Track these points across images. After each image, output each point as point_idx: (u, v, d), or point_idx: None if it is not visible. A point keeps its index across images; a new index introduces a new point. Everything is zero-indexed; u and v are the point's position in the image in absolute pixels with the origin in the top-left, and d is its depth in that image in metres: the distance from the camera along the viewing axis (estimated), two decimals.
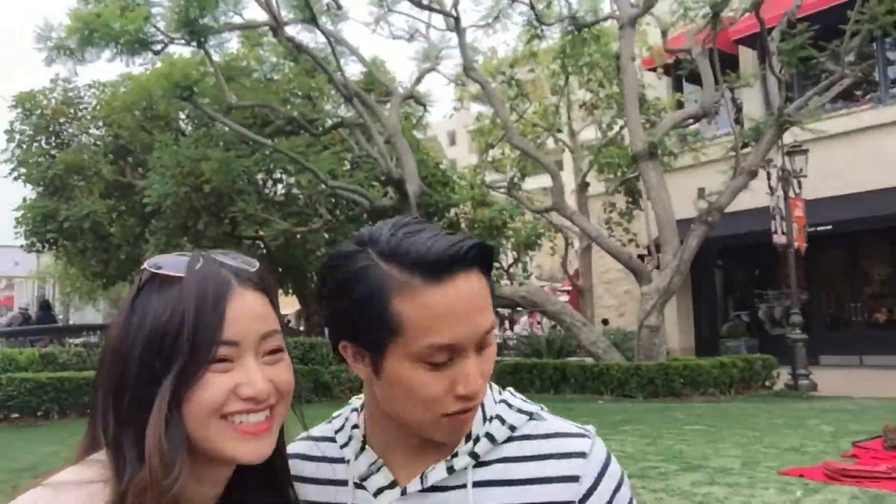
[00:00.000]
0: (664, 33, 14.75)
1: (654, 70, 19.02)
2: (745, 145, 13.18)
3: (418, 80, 16.03)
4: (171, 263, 1.01)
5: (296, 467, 1.14)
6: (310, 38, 14.41)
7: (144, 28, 12.10)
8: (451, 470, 1.04)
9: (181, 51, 15.06)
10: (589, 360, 13.04)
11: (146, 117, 17.84)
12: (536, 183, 23.88)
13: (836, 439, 7.07)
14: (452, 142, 45.02)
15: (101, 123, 18.41)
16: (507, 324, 26.02)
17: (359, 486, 1.09)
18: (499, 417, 1.07)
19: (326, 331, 1.07)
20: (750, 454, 6.39)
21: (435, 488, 1.04)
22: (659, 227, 13.21)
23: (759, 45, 15.26)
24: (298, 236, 16.05)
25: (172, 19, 12.26)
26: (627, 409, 10.13)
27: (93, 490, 0.94)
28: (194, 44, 12.72)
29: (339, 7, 14.38)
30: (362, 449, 1.11)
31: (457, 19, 14.17)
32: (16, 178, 17.87)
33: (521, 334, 21.40)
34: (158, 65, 15.21)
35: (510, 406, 1.09)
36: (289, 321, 22.98)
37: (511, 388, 1.15)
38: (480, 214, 18.13)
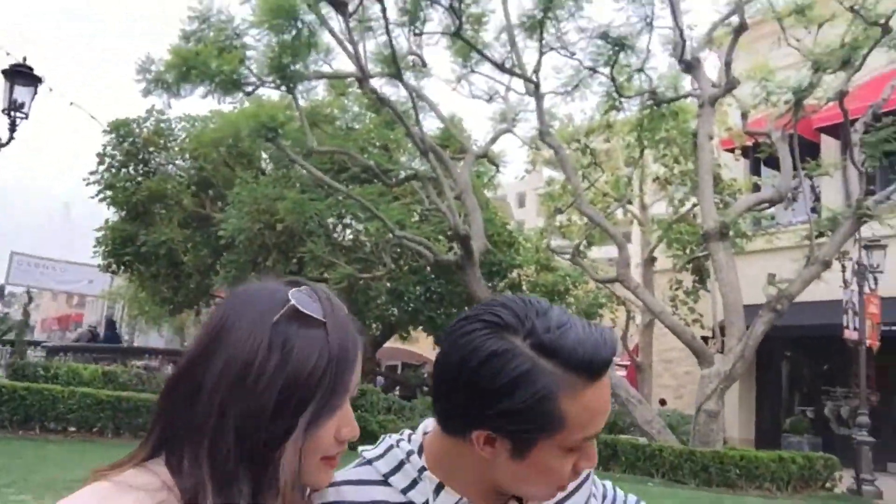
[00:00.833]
0: (744, 115, 14.66)
1: (731, 151, 18.86)
2: (820, 234, 12.87)
3: (493, 140, 16.27)
4: (309, 303, 1.02)
5: None
6: (392, 92, 14.85)
7: (239, 69, 12.67)
8: None
9: (270, 93, 15.72)
10: (642, 440, 12.69)
11: (230, 154, 18.54)
12: (602, 253, 23.70)
13: None
14: (521, 204, 45.20)
15: (187, 156, 19.21)
16: None
17: None
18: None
19: (439, 412, 1.06)
20: None
21: None
22: (725, 309, 12.92)
23: (841, 135, 14.99)
24: (361, 282, 16.26)
25: (265, 63, 12.82)
26: (678, 496, 9.79)
27: (161, 498, 0.95)
28: (283, 88, 13.25)
29: (424, 64, 14.81)
30: (438, 490, 1.08)
31: (536, 85, 14.39)
32: (101, 200, 18.71)
33: None
34: (247, 104, 15.88)
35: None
36: None
37: None
38: (543, 278, 18.07)
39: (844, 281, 12.81)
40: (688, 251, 18.69)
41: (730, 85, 13.39)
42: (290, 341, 0.98)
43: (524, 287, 18.41)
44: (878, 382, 16.11)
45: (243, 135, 15.81)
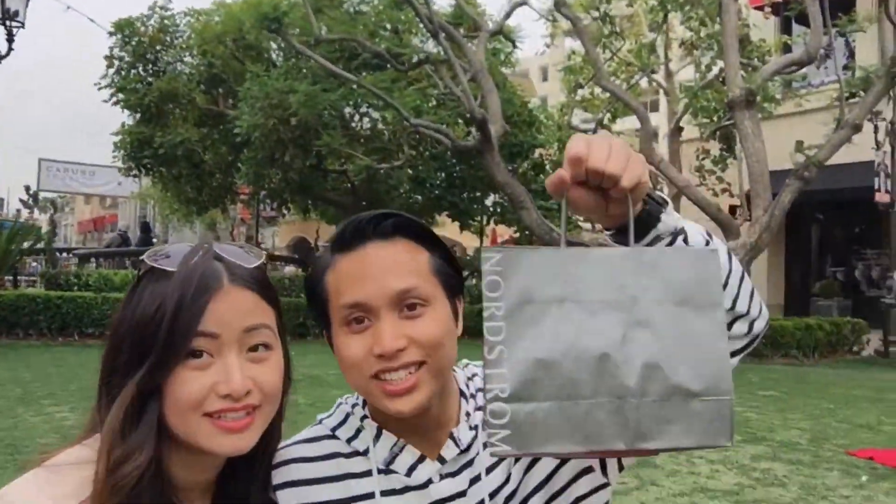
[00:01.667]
0: None
1: (760, 9, 17.90)
2: (852, 95, 12.32)
3: (507, 15, 15.57)
4: (171, 256, 1.03)
5: (298, 471, 1.15)
6: None
7: None
8: (472, 428, 1.12)
9: None
10: None
11: (238, 47, 18.08)
12: (628, 124, 23.12)
13: None
14: (545, 78, 43.98)
15: (195, 52, 18.79)
16: None
17: (383, 471, 1.12)
18: (475, 375, 1.19)
19: None
20: (820, 428, 6.14)
21: (465, 448, 1.11)
22: (751, 180, 12.60)
23: None
24: (382, 172, 16.13)
25: None
26: None
27: (88, 474, 0.96)
28: None
29: None
30: (378, 436, 1.12)
31: None
32: (115, 104, 18.54)
33: None
34: None
35: (476, 365, 1.20)
36: None
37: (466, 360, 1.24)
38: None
39: (877, 142, 12.37)
40: (715, 119, 18.11)
41: None
42: (141, 295, 1.00)
43: (547, 166, 18.13)
44: None
45: (247, 27, 15.37)
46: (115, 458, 0.95)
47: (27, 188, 43.89)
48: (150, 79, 18.71)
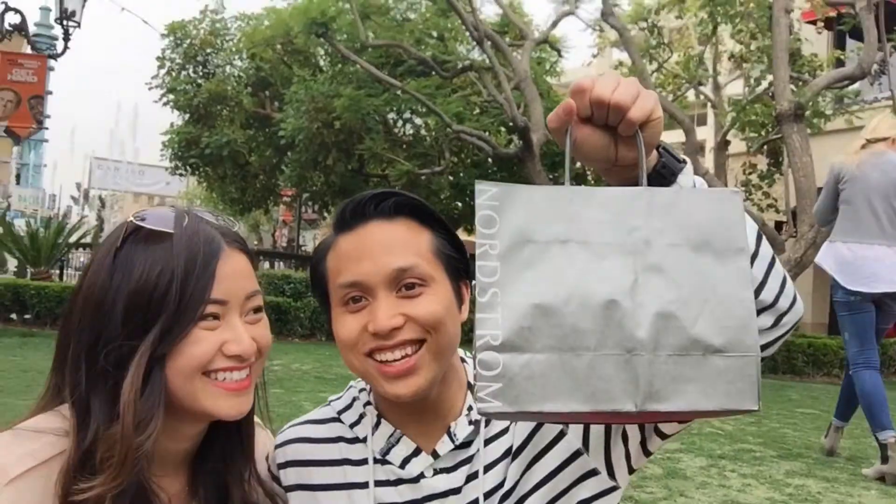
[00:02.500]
0: None
1: (813, 23, 17.54)
2: None
3: (554, 24, 15.58)
4: (158, 218, 1.02)
5: (300, 451, 1.16)
6: None
7: None
8: (472, 423, 1.09)
9: None
10: None
11: (286, 51, 18.35)
12: (675, 137, 22.87)
13: None
14: None
15: (244, 55, 19.13)
16: None
17: (380, 461, 1.10)
18: None
19: None
20: (860, 447, 5.97)
21: (462, 444, 1.09)
22: (798, 194, 12.35)
23: None
24: (423, 178, 16.19)
25: None
26: None
27: (51, 440, 0.98)
28: None
29: None
30: (377, 424, 1.12)
31: None
32: (165, 104, 18.96)
33: None
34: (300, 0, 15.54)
35: None
36: None
37: None
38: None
39: None
40: (763, 133, 17.78)
41: None
42: (132, 260, 0.98)
43: (589, 177, 18.00)
44: None
45: (295, 32, 15.57)
46: (130, 423, 0.95)
47: (78, 185, 45.11)
48: (199, 80, 19.11)
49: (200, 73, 19.29)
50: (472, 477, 1.08)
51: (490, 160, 16.33)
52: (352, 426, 1.14)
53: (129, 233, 1.01)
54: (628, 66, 19.80)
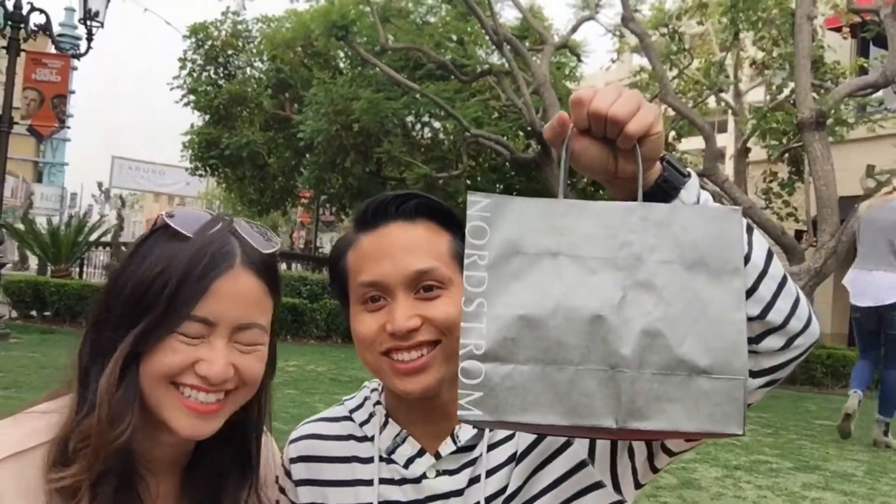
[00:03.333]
0: None
1: (837, 30, 17.39)
2: None
3: (574, 29, 15.55)
4: (187, 219, 1.01)
5: (311, 447, 1.19)
6: None
7: None
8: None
9: None
10: None
11: (307, 54, 18.43)
12: (694, 144, 22.70)
13: None
14: None
15: (265, 57, 19.23)
16: None
17: (386, 460, 1.12)
18: None
19: None
20: (878, 461, 5.88)
21: (465, 447, 1.10)
22: (818, 203, 12.23)
23: None
24: (440, 181, 16.19)
25: None
26: None
27: (52, 421, 0.99)
28: None
29: None
30: (385, 424, 1.14)
31: None
32: (185, 105, 19.11)
33: None
34: (322, 2, 15.59)
35: None
36: None
37: None
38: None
39: None
40: (784, 141, 17.64)
41: None
42: (152, 248, 0.99)
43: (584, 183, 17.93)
44: None
45: (315, 34, 15.64)
46: (105, 416, 0.95)
47: (100, 184, 45.54)
48: (220, 82, 19.24)
49: (221, 75, 19.42)
50: (474, 480, 1.08)
51: (508, 164, 16.31)
52: (361, 425, 1.16)
53: (159, 227, 1.01)
54: (648, 72, 19.71)
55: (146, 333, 0.95)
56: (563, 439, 1.06)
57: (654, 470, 1.06)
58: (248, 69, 19.79)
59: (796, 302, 0.91)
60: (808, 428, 7.24)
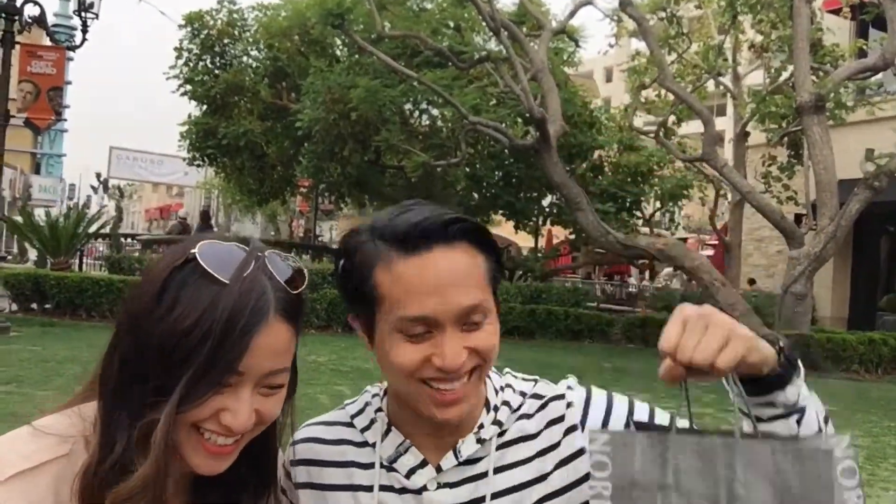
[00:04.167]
0: None
1: (836, 12, 17.29)
2: None
3: (571, 14, 15.44)
4: (221, 257, 0.96)
5: (311, 450, 1.18)
6: None
7: None
8: (480, 441, 1.09)
9: None
10: None
11: (303, 42, 18.34)
12: (694, 127, 22.65)
13: None
14: (609, 79, 43.45)
15: (261, 46, 19.14)
16: (646, 273, 25.31)
17: (386, 467, 1.11)
18: (509, 387, 1.14)
19: None
20: (879, 447, 5.90)
21: (466, 461, 1.09)
22: (818, 188, 12.21)
23: None
24: (439, 169, 16.16)
25: None
26: None
27: (51, 443, 0.95)
28: None
29: None
30: (387, 432, 1.12)
31: None
32: (182, 94, 19.02)
33: (656, 286, 20.71)
34: None
35: (515, 376, 1.17)
36: None
37: (508, 369, 1.20)
38: (626, 159, 17.47)
39: None
40: (783, 125, 17.58)
41: None
42: (182, 290, 0.92)
43: (606, 169, 17.89)
44: None
45: (312, 22, 15.57)
46: (149, 476, 0.92)
47: (98, 175, 45.46)
48: (217, 71, 19.15)
49: (218, 64, 19.33)
50: (478, 501, 1.08)
51: (506, 151, 16.27)
52: (363, 430, 1.15)
53: (185, 261, 0.94)
54: (647, 56, 19.64)
55: (188, 387, 0.91)
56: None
57: None
58: (244, 58, 19.69)
59: (826, 420, 0.98)
60: None
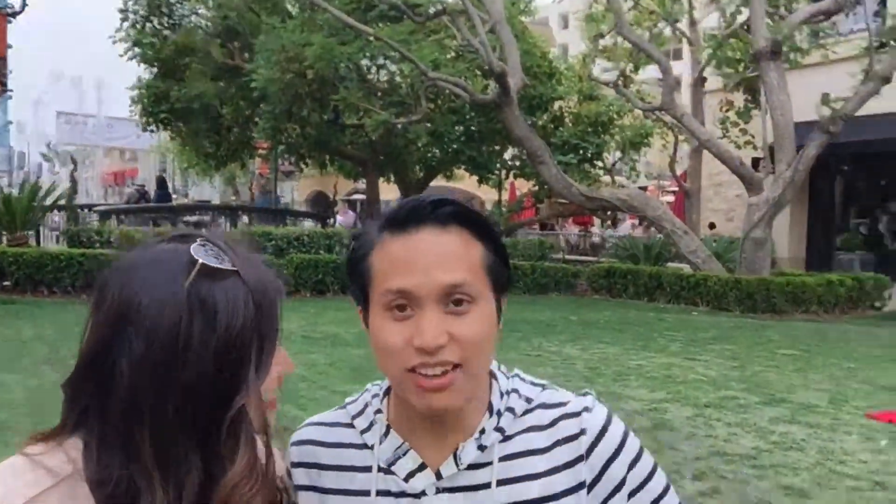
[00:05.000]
0: None
1: None
2: (881, 45, 11.96)
3: None
4: (215, 256, 0.94)
5: (309, 454, 1.16)
6: None
7: None
8: (481, 448, 1.06)
9: None
10: (687, 269, 12.69)
11: None
12: (651, 73, 22.63)
13: None
14: (565, 25, 43.08)
15: (209, 4, 18.55)
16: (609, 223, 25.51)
17: (384, 471, 1.09)
18: (515, 391, 1.10)
19: None
20: (840, 389, 6.11)
21: (468, 467, 1.06)
22: (775, 133, 12.38)
23: None
24: (399, 126, 15.99)
25: None
26: (721, 325, 9.86)
27: (65, 482, 0.92)
28: None
29: None
30: (386, 434, 1.10)
31: None
32: (131, 58, 18.41)
33: (619, 236, 20.91)
34: None
35: (523, 380, 1.13)
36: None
37: (518, 370, 1.17)
38: (586, 109, 17.48)
39: None
40: (740, 69, 17.67)
41: None
42: (209, 300, 0.89)
43: (567, 120, 17.88)
44: None
45: None
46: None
47: (48, 144, 44.13)
48: (165, 32, 18.55)
49: (166, 25, 18.72)
50: None
51: (467, 106, 16.14)
52: (362, 433, 1.13)
53: (195, 274, 0.90)
54: (604, 4, 19.51)
55: (258, 370, 0.92)
56: None
57: None
58: (192, 17, 19.08)
59: None
60: (772, 358, 7.47)
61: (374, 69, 17.64)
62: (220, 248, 0.94)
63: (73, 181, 23.25)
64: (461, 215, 1.03)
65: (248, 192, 33.29)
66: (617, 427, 1.08)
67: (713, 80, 19.54)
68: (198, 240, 0.95)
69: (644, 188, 24.31)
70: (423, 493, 1.07)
